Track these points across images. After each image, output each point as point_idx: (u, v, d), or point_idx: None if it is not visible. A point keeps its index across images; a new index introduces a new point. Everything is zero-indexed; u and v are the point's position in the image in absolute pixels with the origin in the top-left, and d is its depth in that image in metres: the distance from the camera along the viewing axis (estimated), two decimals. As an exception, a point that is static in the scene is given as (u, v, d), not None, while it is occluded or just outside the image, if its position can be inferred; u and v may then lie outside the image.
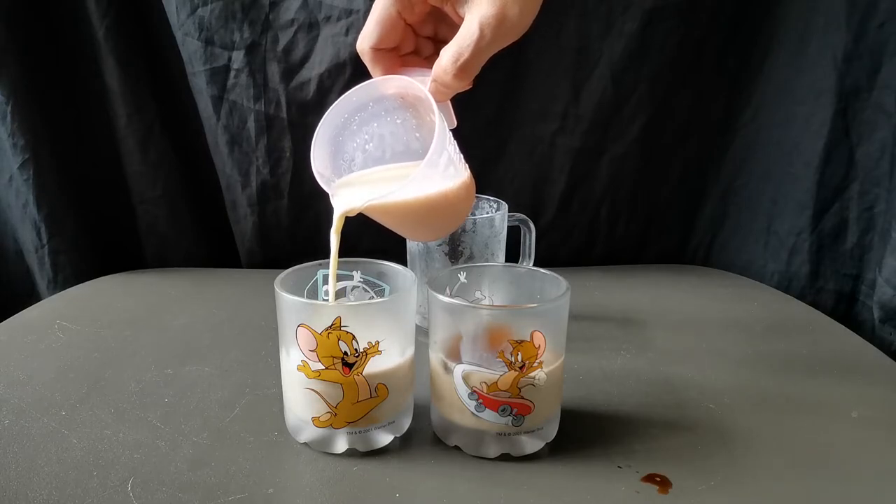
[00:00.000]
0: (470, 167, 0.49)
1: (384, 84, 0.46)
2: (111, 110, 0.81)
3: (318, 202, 0.84)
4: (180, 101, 0.82)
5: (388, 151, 0.49)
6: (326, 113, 0.46)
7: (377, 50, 0.46)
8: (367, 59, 0.46)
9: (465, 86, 0.44)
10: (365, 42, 0.46)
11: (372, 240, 0.87)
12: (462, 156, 0.48)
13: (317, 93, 0.77)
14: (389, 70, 0.46)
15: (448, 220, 0.50)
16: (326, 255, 0.51)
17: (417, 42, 0.48)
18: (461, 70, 0.42)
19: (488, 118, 0.80)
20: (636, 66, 0.78)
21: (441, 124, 0.42)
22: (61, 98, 0.80)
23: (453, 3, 0.43)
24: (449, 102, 0.46)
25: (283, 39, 0.76)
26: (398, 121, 0.48)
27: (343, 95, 0.46)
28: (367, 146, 0.48)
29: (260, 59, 0.77)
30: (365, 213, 0.45)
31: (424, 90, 0.44)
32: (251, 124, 0.79)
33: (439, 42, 0.48)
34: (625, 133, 0.81)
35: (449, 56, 0.42)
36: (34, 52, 0.77)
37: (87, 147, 0.83)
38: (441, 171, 0.44)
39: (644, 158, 0.83)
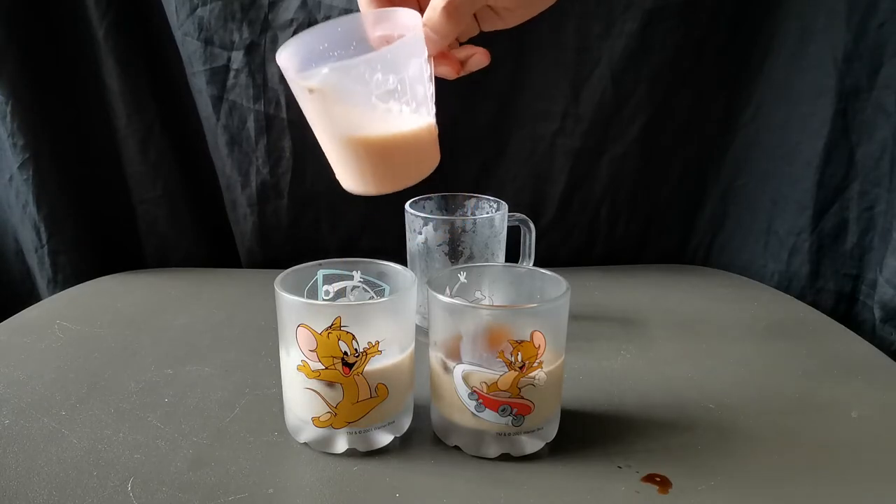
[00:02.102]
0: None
1: (373, 21, 0.44)
2: (111, 110, 0.81)
3: (319, 202, 0.84)
4: (180, 101, 0.82)
5: None
6: (307, 30, 0.44)
7: None
8: (362, 1, 0.45)
9: (452, 31, 0.42)
10: None
11: (372, 240, 0.87)
12: (433, 102, 0.45)
13: (317, 93, 0.77)
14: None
15: (404, 164, 0.46)
16: (326, 255, 0.51)
17: (419, 4, 0.46)
18: (450, 7, 0.41)
19: (488, 118, 0.80)
20: (636, 66, 0.78)
21: (418, 35, 0.40)
22: (61, 98, 0.80)
23: None
24: (432, 70, 0.44)
25: (283, 39, 0.76)
26: None
27: (329, 21, 0.44)
28: None
29: (259, 58, 0.77)
30: (314, 113, 0.42)
31: (418, 22, 0.41)
32: (251, 124, 0.79)
33: None
34: (625, 133, 0.81)
35: None
36: (34, 52, 0.77)
37: (87, 147, 0.83)
38: (410, 78, 0.41)
39: (644, 158, 0.83)
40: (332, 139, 0.44)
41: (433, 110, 0.45)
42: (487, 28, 0.47)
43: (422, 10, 0.46)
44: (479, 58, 0.46)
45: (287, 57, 0.43)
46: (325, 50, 0.44)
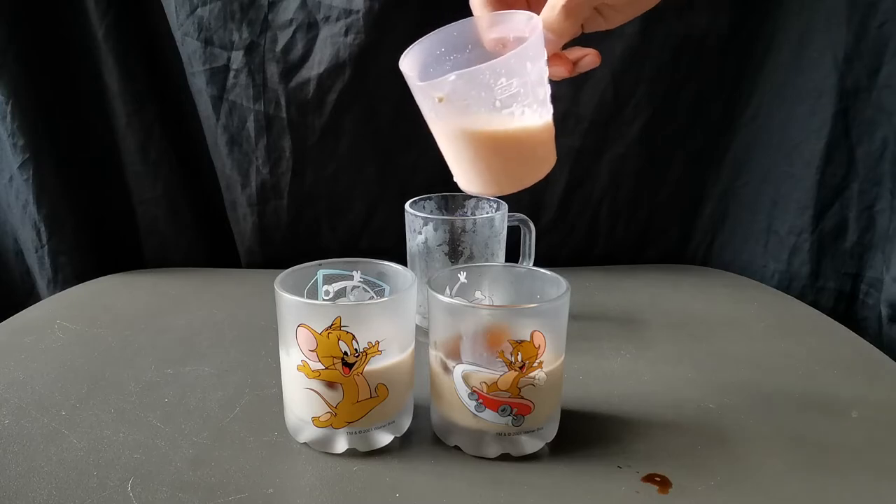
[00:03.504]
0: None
1: (488, 25, 0.44)
2: (111, 110, 0.81)
3: (318, 202, 0.84)
4: (180, 101, 0.82)
5: None
6: (426, 36, 0.44)
7: None
8: (476, 5, 0.45)
9: (570, 30, 0.42)
10: None
11: (372, 240, 0.87)
12: (549, 95, 0.45)
13: (316, 93, 0.77)
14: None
15: (524, 162, 0.47)
16: (326, 255, 0.51)
17: (529, 7, 0.46)
18: (569, 5, 0.41)
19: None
20: (636, 66, 0.78)
21: (541, 39, 0.40)
22: (61, 98, 0.80)
23: None
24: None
25: (282, 39, 0.76)
26: None
27: (444, 27, 0.44)
28: None
29: (259, 59, 0.77)
30: (438, 120, 0.43)
31: (533, 22, 0.42)
32: (251, 124, 0.79)
33: None
34: (625, 133, 0.81)
35: None
36: (34, 52, 0.77)
37: (87, 147, 0.83)
38: (532, 81, 0.42)
39: (644, 158, 0.83)
40: (456, 140, 0.44)
41: (552, 110, 0.45)
42: (590, 29, 0.46)
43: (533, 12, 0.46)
44: (591, 58, 0.46)
45: (409, 64, 0.44)
46: (442, 54, 0.45)
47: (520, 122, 0.43)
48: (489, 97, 0.42)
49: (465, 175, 0.47)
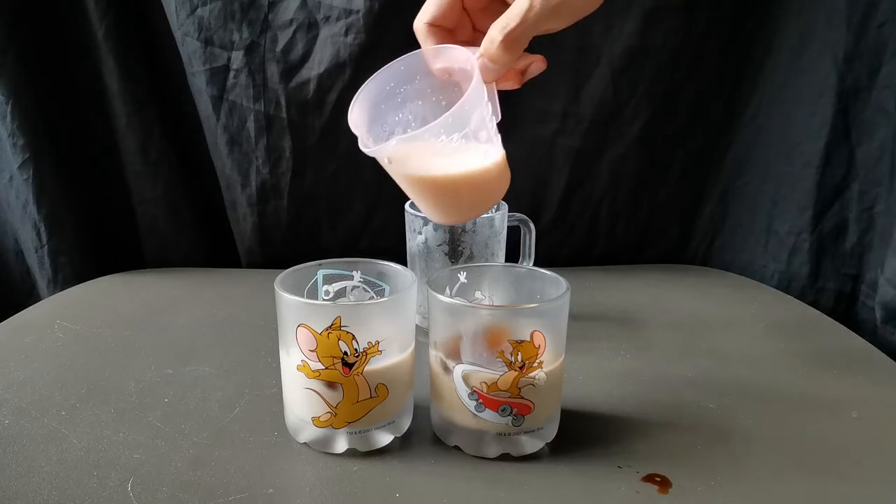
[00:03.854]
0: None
1: (432, 56, 0.45)
2: (111, 110, 0.81)
3: (318, 202, 0.84)
4: (180, 101, 0.82)
5: None
6: (374, 75, 0.46)
7: (432, 26, 0.45)
8: (421, 36, 0.46)
9: (510, 60, 0.43)
10: (421, 18, 0.45)
11: (372, 240, 0.87)
12: (498, 134, 0.46)
13: (316, 93, 0.77)
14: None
15: (477, 199, 0.49)
16: (326, 255, 0.51)
17: (473, 36, 0.47)
18: (507, 40, 0.42)
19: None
20: (636, 66, 0.78)
21: (479, 81, 0.41)
22: (61, 98, 0.80)
23: None
24: (495, 92, 0.45)
25: (282, 39, 0.76)
26: (443, 103, 0.47)
27: (391, 63, 0.46)
28: (409, 126, 0.48)
29: (259, 59, 0.77)
30: (391, 172, 0.45)
31: (472, 58, 0.43)
32: (251, 124, 0.79)
33: None
34: (625, 133, 0.81)
35: (496, 26, 0.42)
36: (34, 52, 0.77)
37: (87, 147, 0.83)
38: (472, 127, 0.43)
39: (644, 158, 0.83)
40: (407, 184, 0.46)
41: (498, 144, 0.46)
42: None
43: (476, 35, 0.47)
44: (537, 65, 0.46)
45: (356, 119, 0.45)
46: (392, 89, 0.46)
47: (464, 167, 0.44)
48: (432, 149, 0.43)
49: (422, 209, 0.49)
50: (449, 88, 0.47)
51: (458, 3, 0.45)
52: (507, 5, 0.44)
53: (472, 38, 0.47)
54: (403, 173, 0.45)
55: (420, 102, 0.47)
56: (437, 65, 0.46)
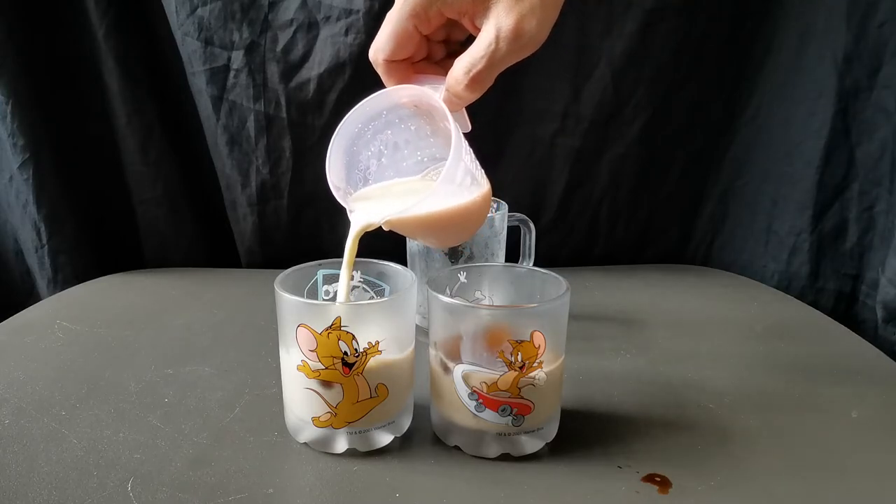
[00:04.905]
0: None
1: (398, 93, 0.46)
2: (111, 110, 0.81)
3: (318, 202, 0.84)
4: (180, 101, 0.82)
5: (404, 160, 0.49)
6: (340, 124, 0.46)
7: (391, 62, 0.45)
8: (380, 70, 0.46)
9: (476, 97, 0.44)
10: (379, 55, 0.45)
11: (372, 240, 0.87)
12: (478, 163, 0.47)
13: (316, 93, 0.77)
14: (403, 80, 0.46)
15: (465, 228, 0.50)
16: (326, 255, 0.51)
17: (430, 46, 0.47)
18: (473, 81, 0.42)
19: (488, 118, 0.80)
20: (636, 66, 0.78)
21: (457, 136, 0.42)
22: (61, 98, 0.80)
23: (471, 16, 0.42)
24: (464, 110, 0.46)
25: (283, 39, 0.76)
26: (412, 128, 0.48)
27: (356, 106, 0.46)
28: (381, 155, 0.48)
29: (259, 59, 0.77)
30: (382, 226, 0.46)
31: (438, 100, 0.43)
32: (251, 124, 0.79)
33: (451, 44, 0.47)
34: (625, 133, 0.81)
35: (462, 67, 0.42)
36: (34, 52, 0.77)
37: (87, 147, 0.83)
38: (458, 182, 0.44)
39: (644, 158, 0.83)
40: (394, 225, 0.47)
41: (481, 178, 0.47)
42: None
43: (432, 54, 0.47)
44: None
45: (334, 179, 0.46)
46: (361, 129, 0.47)
47: (446, 205, 0.45)
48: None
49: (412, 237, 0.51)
50: (417, 116, 0.47)
51: (416, 35, 0.44)
52: (460, 26, 0.44)
53: (430, 50, 0.47)
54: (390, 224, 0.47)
55: (390, 132, 0.48)
56: (403, 100, 0.46)
